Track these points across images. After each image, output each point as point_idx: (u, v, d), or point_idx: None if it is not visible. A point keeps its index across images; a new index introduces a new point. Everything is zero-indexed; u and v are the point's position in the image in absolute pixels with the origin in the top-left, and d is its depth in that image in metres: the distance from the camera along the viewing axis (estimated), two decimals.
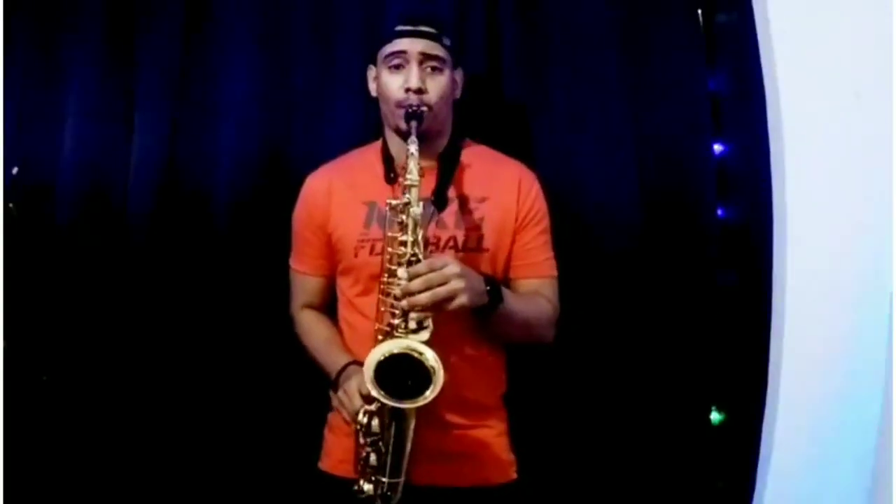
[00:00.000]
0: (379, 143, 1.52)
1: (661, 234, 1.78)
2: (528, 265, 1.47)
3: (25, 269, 1.81)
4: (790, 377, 1.64)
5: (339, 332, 1.51)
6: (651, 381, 1.77)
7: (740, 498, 1.71)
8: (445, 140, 1.50)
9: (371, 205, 1.45)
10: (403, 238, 1.30)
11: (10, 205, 1.84)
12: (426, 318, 1.27)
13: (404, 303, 1.25)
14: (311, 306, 1.55)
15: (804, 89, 1.64)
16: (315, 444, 1.51)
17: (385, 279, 1.33)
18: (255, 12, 1.87)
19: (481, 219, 1.44)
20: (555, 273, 1.50)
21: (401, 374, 1.24)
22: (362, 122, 1.78)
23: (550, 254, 1.50)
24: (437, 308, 1.25)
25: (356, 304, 1.46)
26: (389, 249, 1.33)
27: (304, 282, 1.55)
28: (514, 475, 1.47)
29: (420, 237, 1.30)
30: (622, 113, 1.81)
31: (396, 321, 1.28)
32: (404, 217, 1.30)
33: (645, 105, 1.81)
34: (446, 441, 1.40)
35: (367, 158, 1.52)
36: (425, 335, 1.27)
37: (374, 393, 1.22)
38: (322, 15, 1.86)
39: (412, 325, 1.28)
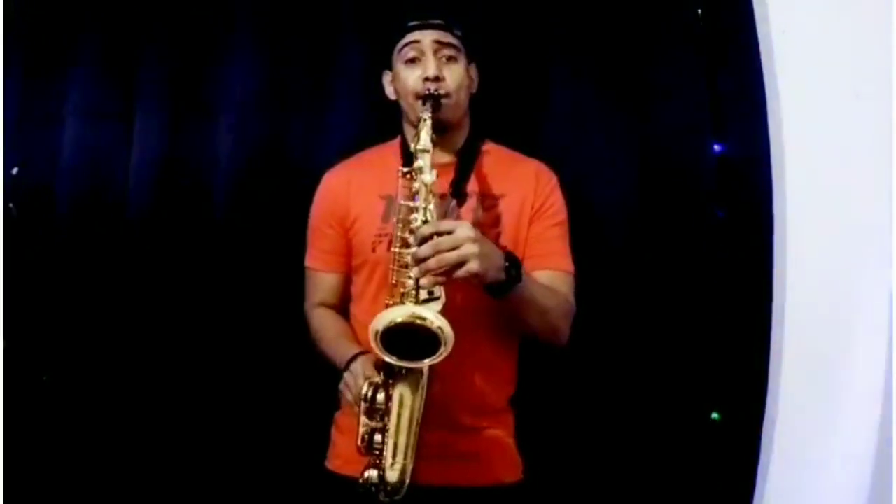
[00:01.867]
0: (397, 140, 1.52)
1: (661, 234, 1.78)
2: (540, 256, 1.44)
3: (25, 269, 1.81)
4: (790, 377, 1.64)
5: (353, 330, 1.49)
6: (651, 381, 1.77)
7: (740, 498, 1.71)
8: (464, 136, 1.50)
9: (389, 199, 1.44)
10: (415, 205, 1.27)
11: (10, 205, 1.84)
12: (437, 286, 1.22)
13: (415, 270, 1.21)
14: (325, 304, 1.54)
15: (804, 89, 1.64)
16: (323, 444, 1.51)
17: (396, 249, 1.30)
18: (254, 13, 1.87)
19: (499, 216, 1.43)
20: (570, 269, 1.46)
21: (409, 342, 1.20)
22: (362, 122, 1.78)
23: (566, 248, 1.47)
24: (447, 274, 1.20)
25: (372, 301, 1.44)
26: (400, 216, 1.30)
27: (320, 279, 1.54)
28: (522, 475, 1.47)
29: (431, 205, 1.26)
30: (622, 113, 1.81)
31: (406, 290, 1.25)
32: (416, 184, 1.28)
33: (645, 105, 1.81)
34: (454, 441, 1.39)
35: (385, 154, 1.52)
36: (437, 305, 1.23)
37: (382, 356, 1.19)
38: (322, 15, 1.87)
39: (423, 294, 1.23)
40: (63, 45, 1.89)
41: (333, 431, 1.50)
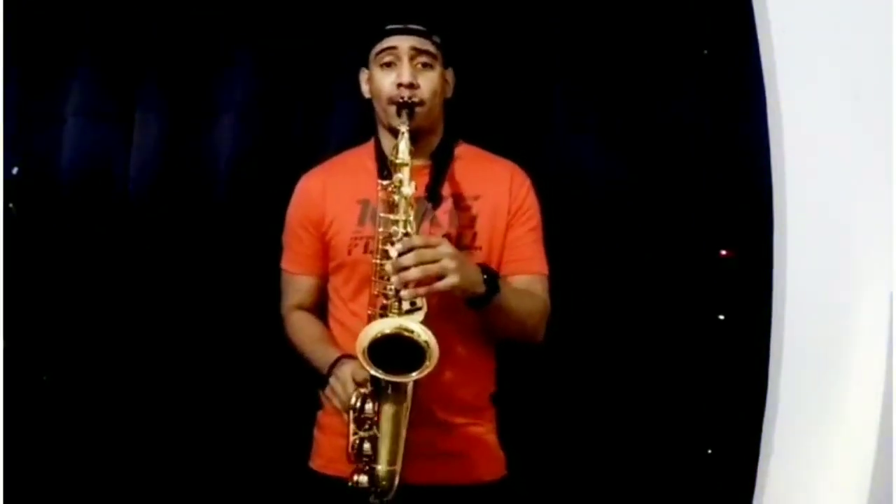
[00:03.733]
0: (371, 143, 1.53)
1: (658, 233, 1.79)
2: (517, 261, 1.46)
3: (25, 269, 1.81)
4: (790, 377, 1.64)
5: (331, 331, 1.50)
6: (647, 381, 1.78)
7: (740, 498, 1.71)
8: (438, 139, 1.51)
9: (364, 203, 1.45)
10: (395, 217, 1.29)
11: (10, 205, 1.85)
12: (418, 297, 1.25)
13: (395, 279, 1.23)
14: (302, 307, 1.54)
15: (804, 89, 1.64)
16: (306, 444, 1.51)
17: (377, 260, 1.32)
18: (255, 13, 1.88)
19: (475, 217, 1.45)
20: (545, 271, 1.49)
21: (394, 353, 1.22)
22: (361, 121, 1.78)
23: (541, 251, 1.50)
24: (428, 285, 1.23)
25: (348, 304, 1.46)
26: (381, 229, 1.32)
27: (296, 282, 1.54)
28: (505, 472, 1.48)
29: (412, 217, 1.29)
30: (619, 114, 1.81)
31: (388, 301, 1.27)
32: (396, 197, 1.30)
33: (643, 106, 1.81)
34: (437, 440, 1.39)
35: (360, 158, 1.53)
36: (419, 316, 1.26)
37: (370, 370, 1.21)
38: (323, 14, 1.87)
39: (405, 305, 1.26)
40: (63, 45, 1.89)
41: (316, 431, 1.50)
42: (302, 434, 1.52)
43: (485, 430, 1.46)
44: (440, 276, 1.23)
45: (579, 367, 1.77)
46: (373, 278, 1.33)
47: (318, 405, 1.46)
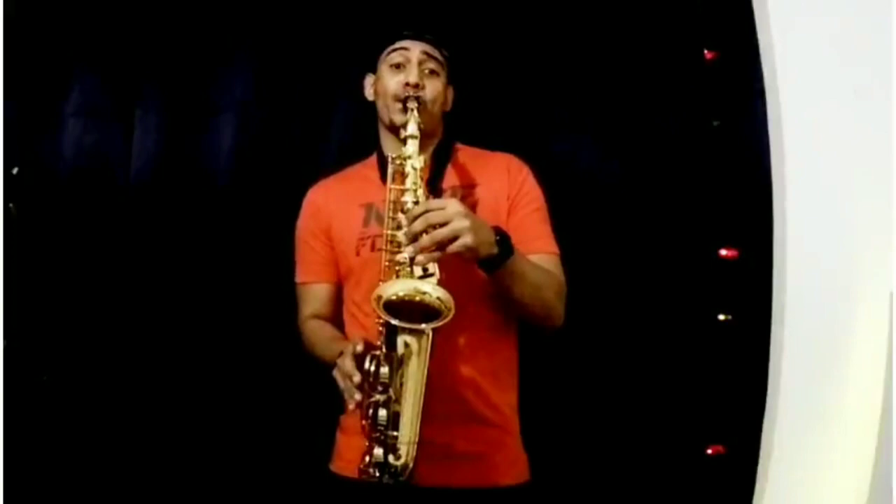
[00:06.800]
0: (374, 157, 1.56)
1: (658, 232, 1.79)
2: (524, 242, 1.43)
3: (25, 269, 1.81)
4: (790, 377, 1.64)
5: (345, 336, 1.50)
6: (656, 384, 1.78)
7: (741, 498, 1.71)
8: (437, 140, 1.54)
9: (368, 206, 1.48)
10: (404, 187, 1.31)
11: (10, 205, 1.84)
12: (430, 263, 1.24)
13: (409, 249, 1.23)
14: (318, 317, 1.54)
15: (804, 89, 1.64)
16: (327, 446, 1.51)
17: (389, 232, 1.33)
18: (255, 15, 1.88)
19: (474, 205, 1.46)
20: (555, 250, 1.47)
21: (408, 314, 1.21)
22: (362, 121, 1.78)
23: (548, 231, 1.49)
24: (441, 248, 1.22)
25: (361, 307, 1.45)
26: (391, 199, 1.34)
27: (311, 292, 1.55)
28: (528, 476, 1.47)
29: (421, 188, 1.31)
30: (621, 111, 1.81)
31: (400, 268, 1.27)
32: (406, 167, 1.32)
33: (643, 104, 1.81)
34: (459, 442, 1.39)
35: (363, 169, 1.57)
36: (433, 281, 1.24)
37: (386, 317, 1.20)
38: (323, 17, 1.87)
39: (417, 271, 1.25)
40: (63, 44, 1.89)
41: (338, 434, 1.50)
42: (322, 436, 1.52)
43: (508, 435, 1.46)
44: (453, 239, 1.22)
45: (578, 366, 1.77)
46: (384, 248, 1.33)
47: (341, 408, 1.45)
